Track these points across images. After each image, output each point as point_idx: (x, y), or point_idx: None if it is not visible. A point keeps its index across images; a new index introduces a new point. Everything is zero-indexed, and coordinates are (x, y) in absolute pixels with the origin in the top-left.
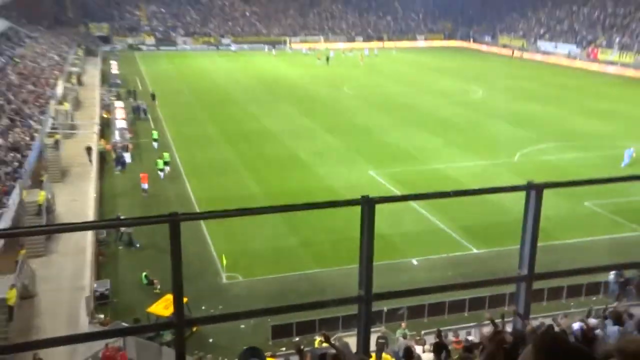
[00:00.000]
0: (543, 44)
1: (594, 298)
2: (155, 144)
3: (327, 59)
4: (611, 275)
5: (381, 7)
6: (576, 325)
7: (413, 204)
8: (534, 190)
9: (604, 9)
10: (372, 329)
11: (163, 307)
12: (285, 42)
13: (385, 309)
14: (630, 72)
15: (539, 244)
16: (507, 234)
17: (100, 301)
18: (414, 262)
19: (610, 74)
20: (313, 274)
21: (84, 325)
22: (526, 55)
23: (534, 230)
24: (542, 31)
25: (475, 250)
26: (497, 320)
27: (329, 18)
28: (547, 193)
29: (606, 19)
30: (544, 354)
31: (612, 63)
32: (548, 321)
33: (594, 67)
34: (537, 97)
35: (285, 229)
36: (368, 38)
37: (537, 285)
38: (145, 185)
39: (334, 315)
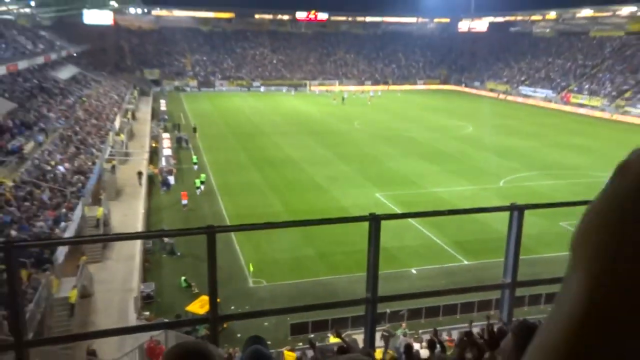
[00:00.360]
0: (524, 89)
1: None
2: (195, 167)
3: (343, 99)
4: None
5: (387, 56)
6: None
7: (413, 221)
8: (517, 211)
9: (575, 61)
10: (377, 328)
11: (199, 306)
12: (305, 85)
13: (388, 310)
14: (598, 113)
15: (521, 257)
16: (493, 248)
17: (146, 301)
18: (413, 271)
19: (581, 114)
20: (327, 280)
21: (132, 321)
22: (509, 97)
23: (516, 245)
24: (523, 78)
25: (465, 262)
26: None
27: (343, 65)
28: (527, 213)
29: (577, 69)
30: (520, 338)
31: (582, 105)
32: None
33: (567, 108)
34: (519, 132)
35: (303, 241)
36: (375, 82)
37: (519, 292)
38: (185, 202)
39: (344, 315)
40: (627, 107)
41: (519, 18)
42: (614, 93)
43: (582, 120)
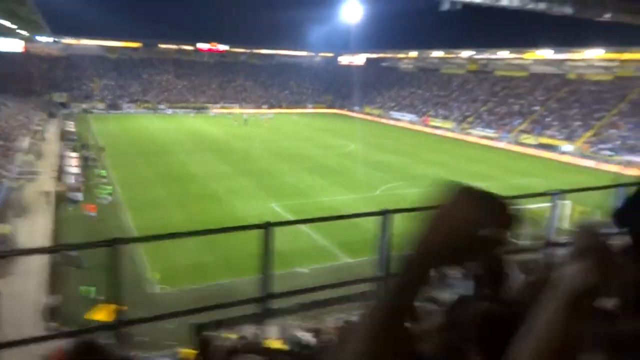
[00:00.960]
0: (394, 113)
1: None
2: (103, 180)
3: (245, 120)
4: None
5: (281, 83)
6: None
7: (303, 227)
8: (386, 215)
9: (432, 92)
10: (272, 322)
11: (104, 314)
12: (208, 108)
13: (280, 306)
14: (450, 134)
15: (393, 253)
16: (371, 247)
17: (53, 312)
18: (306, 270)
19: (438, 135)
20: (228, 282)
21: (38, 332)
22: (383, 120)
23: (387, 244)
24: (392, 104)
25: (349, 260)
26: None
27: (242, 90)
28: (397, 216)
29: (433, 98)
30: None
31: (438, 127)
32: None
33: (427, 130)
34: (390, 150)
35: (206, 249)
36: (271, 106)
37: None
38: (94, 214)
39: (243, 312)
40: (469, 129)
41: (389, 55)
42: (460, 118)
43: (438, 139)
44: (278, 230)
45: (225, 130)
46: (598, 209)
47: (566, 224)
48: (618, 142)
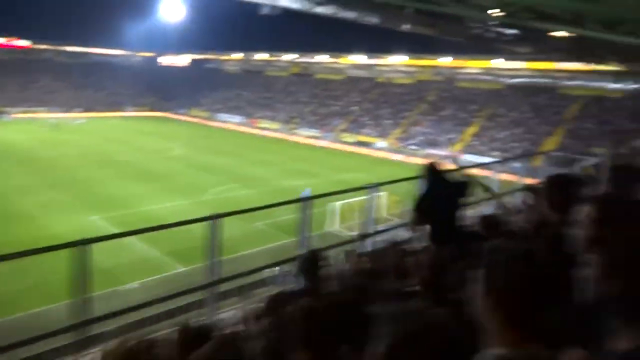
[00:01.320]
0: (222, 115)
1: (266, 288)
2: None
3: (54, 126)
4: (276, 269)
5: (96, 84)
6: None
7: (130, 239)
8: (215, 219)
9: (258, 93)
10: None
11: None
12: (5, 113)
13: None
14: (278, 135)
15: (227, 256)
16: (203, 253)
17: None
18: (136, 285)
19: (266, 136)
20: (44, 311)
21: None
22: (211, 123)
23: (217, 248)
24: (220, 106)
25: (182, 269)
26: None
27: (49, 92)
28: (228, 219)
29: (260, 100)
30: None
31: (265, 129)
32: (238, 313)
33: (255, 131)
34: (220, 152)
35: (15, 275)
36: (85, 109)
37: (226, 286)
38: None
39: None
40: (296, 130)
41: (213, 57)
42: (286, 119)
43: (266, 140)
44: (100, 246)
45: (30, 137)
46: (409, 197)
47: (384, 213)
48: (421, 138)
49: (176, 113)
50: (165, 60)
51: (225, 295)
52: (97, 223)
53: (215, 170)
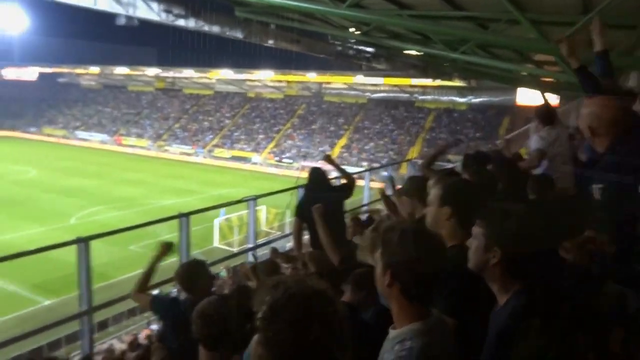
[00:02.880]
0: (80, 133)
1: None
2: None
3: None
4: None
5: None
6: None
7: None
8: (83, 243)
9: (120, 109)
10: None
11: None
12: None
13: None
14: (147, 152)
15: (101, 283)
16: (72, 283)
17: None
18: None
19: (132, 154)
20: None
21: None
22: (69, 142)
23: (87, 274)
24: (78, 124)
25: (47, 302)
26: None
27: None
28: (99, 244)
29: (123, 116)
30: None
31: (132, 146)
32: (115, 342)
33: (120, 149)
34: (81, 173)
35: None
36: None
37: (102, 315)
38: None
39: None
40: (166, 147)
41: (66, 70)
42: (154, 136)
43: (133, 158)
44: None
45: None
46: (288, 208)
47: (264, 227)
48: (294, 151)
49: (26, 132)
50: (9, 73)
51: (104, 323)
52: None
53: (78, 192)
